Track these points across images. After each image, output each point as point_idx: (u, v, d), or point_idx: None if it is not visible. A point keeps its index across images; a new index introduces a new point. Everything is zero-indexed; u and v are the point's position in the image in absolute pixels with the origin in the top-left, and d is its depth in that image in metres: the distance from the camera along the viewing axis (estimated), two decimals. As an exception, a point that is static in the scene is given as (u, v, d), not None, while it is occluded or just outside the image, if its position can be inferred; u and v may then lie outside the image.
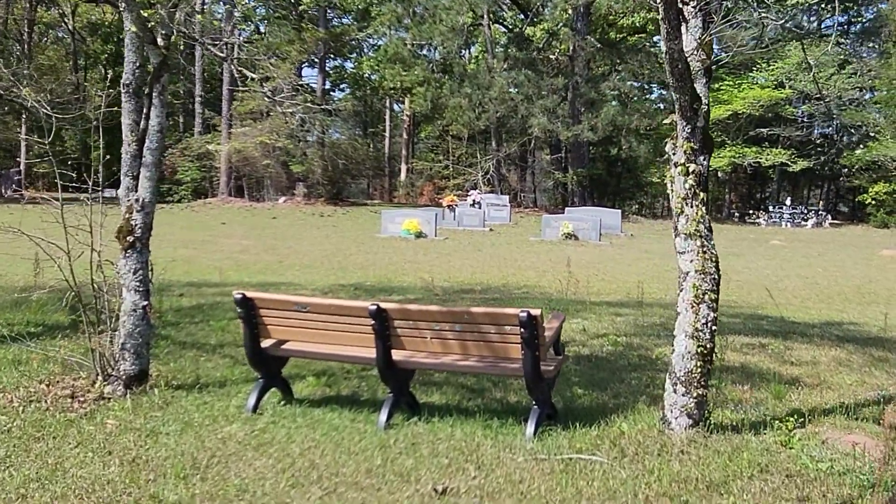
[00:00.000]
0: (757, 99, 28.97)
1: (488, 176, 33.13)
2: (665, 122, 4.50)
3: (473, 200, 24.36)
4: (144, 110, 5.24)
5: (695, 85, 4.27)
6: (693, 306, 4.30)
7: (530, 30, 35.73)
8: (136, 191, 5.25)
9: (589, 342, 7.40)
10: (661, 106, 33.98)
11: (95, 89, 52.74)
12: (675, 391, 4.33)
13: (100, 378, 5.23)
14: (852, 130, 34.25)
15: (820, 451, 4.20)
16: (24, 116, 45.18)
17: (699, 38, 4.31)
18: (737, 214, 34.23)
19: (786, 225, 29.17)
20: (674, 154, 4.39)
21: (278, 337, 5.01)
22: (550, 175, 35.10)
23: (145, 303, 5.24)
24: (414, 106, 40.64)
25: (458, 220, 22.92)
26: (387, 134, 51.76)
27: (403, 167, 48.18)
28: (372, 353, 4.69)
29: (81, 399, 5.05)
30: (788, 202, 31.35)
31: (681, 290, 4.39)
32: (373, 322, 4.55)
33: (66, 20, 49.01)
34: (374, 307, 4.52)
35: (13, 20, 44.69)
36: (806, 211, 30.34)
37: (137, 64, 5.24)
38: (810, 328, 8.49)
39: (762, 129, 31.43)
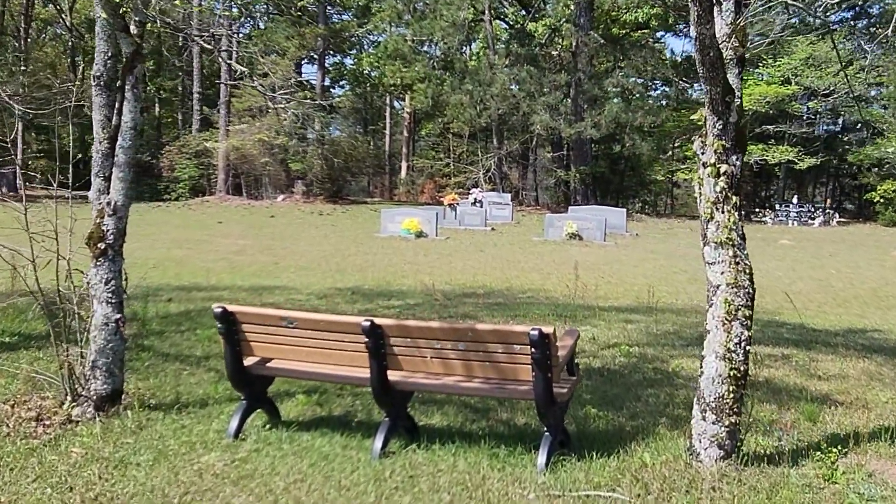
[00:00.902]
0: (763, 95, 28.44)
1: (490, 174, 32.63)
2: (693, 117, 4.03)
3: (475, 199, 23.89)
4: (117, 105, 4.78)
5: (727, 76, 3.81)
6: (724, 324, 3.84)
7: (532, 25, 35.22)
8: (108, 193, 4.79)
9: (600, 353, 6.94)
10: (664, 103, 33.45)
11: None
12: (703, 418, 3.87)
13: (69, 398, 4.78)
14: (859, 127, 33.74)
15: (868, 486, 3.75)
16: (17, 114, 44.71)
17: (731, 24, 3.84)
18: (742, 213, 33.57)
19: (792, 224, 28.65)
20: (703, 153, 3.93)
21: (263, 355, 4.56)
22: (552, 173, 34.60)
23: (118, 316, 4.79)
24: (414, 103, 40.15)
25: (459, 220, 22.44)
26: (387, 131, 51.29)
27: (404, 165, 47.72)
28: (366, 372, 4.24)
29: (47, 423, 4.59)
30: (795, 200, 30.81)
31: (710, 306, 3.93)
32: (366, 339, 4.10)
33: (63, 16, 48.56)
34: (368, 323, 4.07)
35: (10, 15, 44.19)
36: (813, 209, 29.82)
37: (109, 54, 4.78)
38: (833, 336, 8.03)
39: (768, 126, 30.88)
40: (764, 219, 30.21)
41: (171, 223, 23.35)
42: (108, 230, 4.77)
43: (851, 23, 34.30)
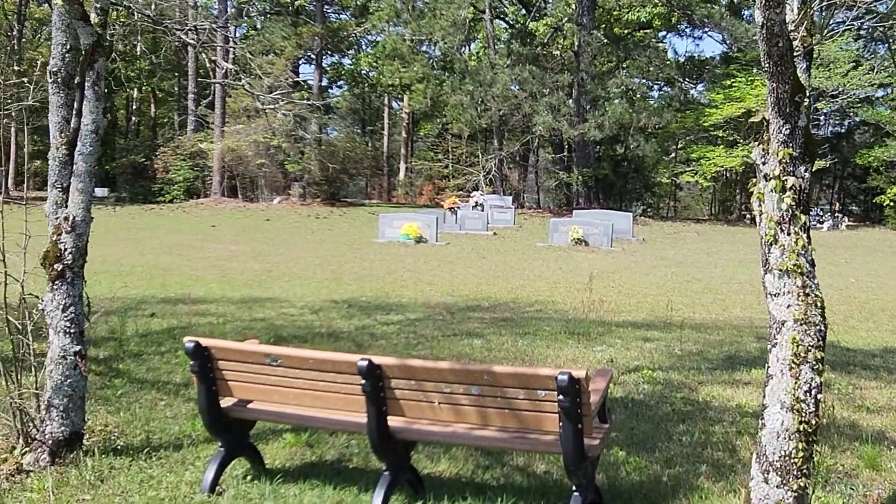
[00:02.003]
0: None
1: (490, 176, 31.99)
2: (753, 120, 3.41)
3: (476, 202, 23.25)
4: (76, 105, 4.15)
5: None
6: (792, 368, 3.21)
7: (533, 24, 34.63)
8: (66, 206, 4.17)
9: (621, 378, 6.31)
10: (668, 104, 32.74)
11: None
12: (766, 481, 3.24)
13: (21, 443, 4.15)
14: (866, 129, 33.13)
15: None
16: (11, 115, 44.06)
17: (800, 9, 3.22)
18: (748, 216, 33.08)
19: (800, 227, 27.90)
20: (764, 163, 3.30)
21: (242, 395, 3.93)
22: (554, 175, 33.93)
23: (77, 348, 4.16)
24: (413, 103, 39.52)
25: (460, 224, 21.81)
26: (385, 132, 50.70)
27: (402, 166, 47.13)
28: (362, 418, 3.62)
29: (-7, 473, 3.97)
30: (803, 204, 30.04)
31: (773, 346, 3.30)
32: (363, 381, 3.48)
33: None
34: (366, 364, 3.44)
35: (4, 15, 43.49)
36: (821, 213, 29.18)
37: (67, 47, 4.15)
38: (870, 357, 7.42)
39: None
40: (770, 222, 29.43)
41: (163, 227, 22.71)
42: (65, 249, 4.15)
43: (861, 22, 33.69)
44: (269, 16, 41.56)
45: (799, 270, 3.22)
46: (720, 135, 30.09)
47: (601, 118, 27.13)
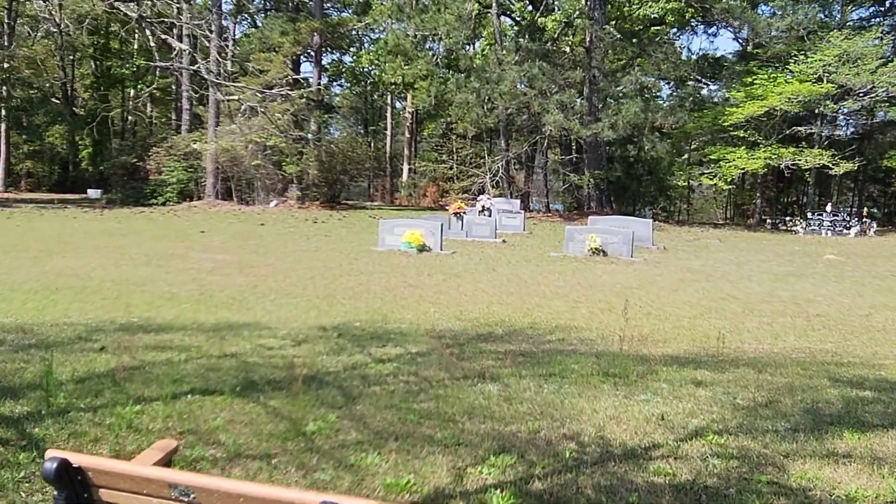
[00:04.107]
0: (795, 94, 26.29)
1: (497, 178, 30.52)
2: None
3: (483, 206, 21.80)
4: None
5: None
6: None
7: (542, 19, 33.24)
8: None
9: (680, 449, 4.88)
10: (684, 102, 31.21)
11: (82, 84, 50.50)
12: None
13: None
14: (890, 129, 31.61)
15: None
16: (3, 114, 42.82)
17: None
18: (769, 221, 31.55)
19: (826, 233, 26.46)
20: None
21: (140, 544, 2.51)
22: (565, 177, 32.39)
23: None
24: (417, 101, 38.13)
25: (466, 230, 20.38)
26: (388, 132, 49.39)
27: (405, 167, 45.82)
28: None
29: None
30: (829, 208, 28.61)
31: None
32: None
33: (52, 12, 46.57)
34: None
35: (-4, 9, 42.26)
36: (848, 218, 27.64)
37: None
38: None
39: (799, 128, 28.73)
40: (795, 228, 28.05)
41: (149, 232, 21.33)
42: None
43: (882, 17, 32.27)
44: (267, 13, 40.26)
45: None
46: (741, 135, 28.55)
47: (615, 117, 25.64)
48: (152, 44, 24.02)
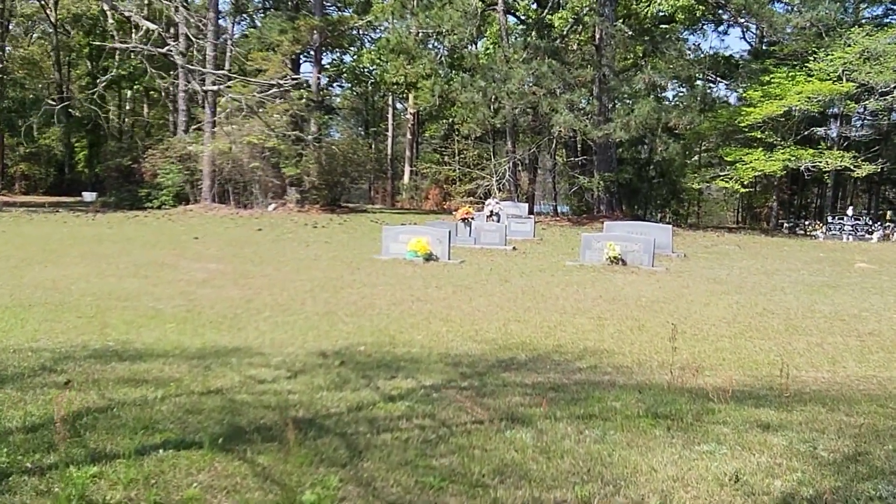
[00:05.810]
0: (815, 93, 25.27)
1: (504, 180, 29.50)
2: None
3: (491, 211, 20.78)
4: None
5: None
6: None
7: (548, 17, 32.24)
8: None
9: (773, 527, 3.87)
10: (698, 102, 30.15)
11: (78, 85, 49.48)
12: None
13: None
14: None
15: None
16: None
17: None
18: (785, 225, 30.51)
19: (847, 238, 25.44)
20: None
21: None
22: (574, 180, 31.35)
23: None
24: (420, 102, 37.13)
25: (474, 237, 19.36)
26: (390, 133, 48.43)
27: (407, 169, 44.86)
28: None
29: None
30: (850, 212, 27.55)
31: None
32: None
33: (47, 12, 45.60)
34: None
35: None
36: (871, 222, 26.60)
37: None
38: None
39: (818, 129, 27.71)
40: (815, 233, 27.02)
41: (141, 239, 20.34)
42: None
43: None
44: (266, 11, 39.29)
45: None
46: (757, 136, 27.48)
47: (627, 118, 24.62)
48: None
